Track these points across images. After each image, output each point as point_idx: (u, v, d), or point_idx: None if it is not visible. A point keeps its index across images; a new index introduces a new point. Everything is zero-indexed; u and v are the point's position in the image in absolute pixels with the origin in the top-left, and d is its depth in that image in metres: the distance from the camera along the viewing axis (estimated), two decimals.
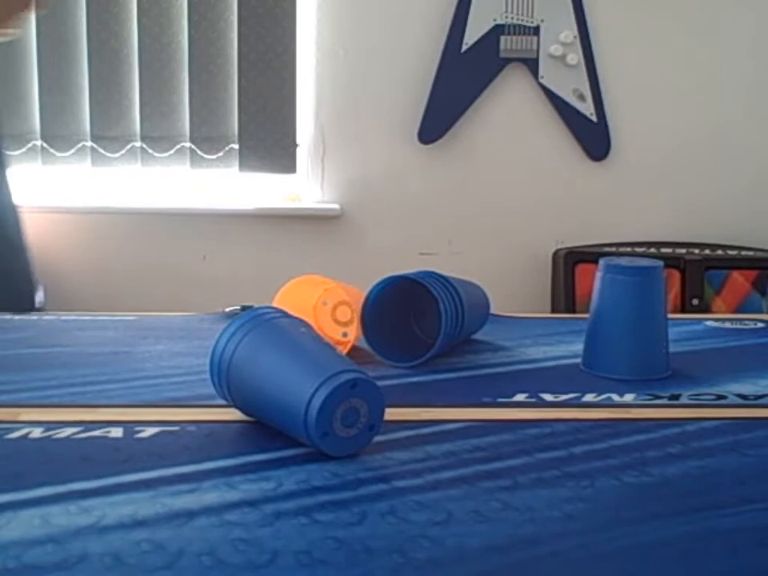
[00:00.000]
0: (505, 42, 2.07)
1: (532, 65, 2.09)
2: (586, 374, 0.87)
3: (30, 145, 2.12)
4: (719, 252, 2.08)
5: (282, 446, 0.66)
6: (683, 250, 2.07)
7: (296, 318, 0.74)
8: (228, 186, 2.23)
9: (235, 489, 0.59)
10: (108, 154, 2.13)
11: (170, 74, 2.14)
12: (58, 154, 2.12)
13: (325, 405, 0.63)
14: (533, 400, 0.79)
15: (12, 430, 0.69)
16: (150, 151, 2.15)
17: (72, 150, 2.13)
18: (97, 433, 0.69)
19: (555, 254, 2.12)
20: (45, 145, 2.12)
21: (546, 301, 2.15)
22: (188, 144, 2.16)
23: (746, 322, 1.11)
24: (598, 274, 0.88)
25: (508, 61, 2.09)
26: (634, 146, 2.16)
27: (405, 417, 0.74)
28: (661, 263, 0.87)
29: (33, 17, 2.03)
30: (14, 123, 2.10)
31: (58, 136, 2.12)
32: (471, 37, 2.07)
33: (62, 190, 2.18)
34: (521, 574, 0.50)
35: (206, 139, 2.16)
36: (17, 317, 1.06)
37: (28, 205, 2.13)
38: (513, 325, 1.09)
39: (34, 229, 2.14)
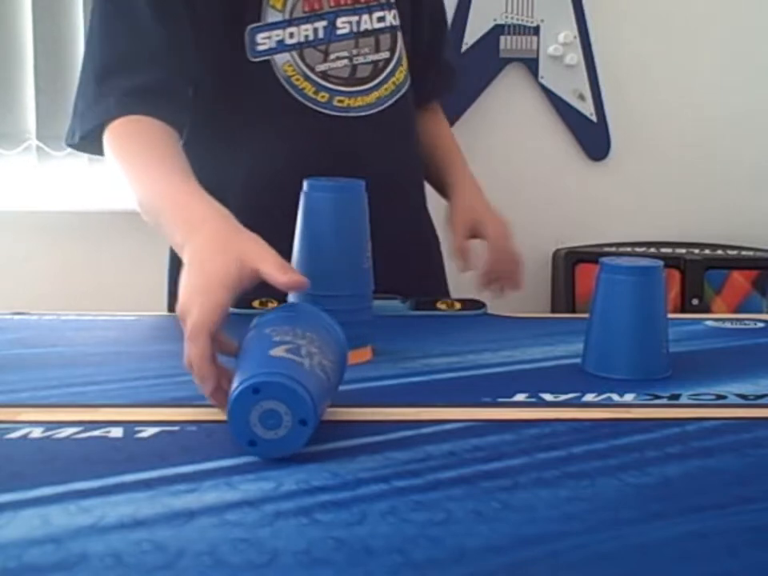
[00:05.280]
0: (504, 42, 2.07)
1: (532, 65, 2.09)
2: (586, 374, 0.87)
3: (25, 144, 2.12)
4: (719, 252, 2.08)
5: None
6: (683, 250, 2.07)
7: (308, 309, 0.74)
8: None
9: (235, 489, 0.59)
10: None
11: None
12: (54, 154, 2.12)
13: (233, 416, 0.63)
14: (533, 400, 0.79)
15: (12, 430, 0.69)
16: None
17: (67, 150, 2.13)
18: (97, 433, 0.69)
19: (555, 253, 2.12)
20: (40, 144, 2.11)
21: (546, 301, 2.14)
22: None
23: (746, 322, 1.11)
24: (598, 274, 0.88)
25: (508, 61, 2.09)
26: (634, 145, 2.16)
27: (405, 417, 0.74)
28: (661, 263, 0.87)
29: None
30: (8, 122, 2.10)
31: (52, 136, 2.11)
32: (471, 37, 2.07)
33: (58, 191, 2.18)
34: (521, 573, 0.50)
35: None
36: (17, 317, 1.06)
37: (23, 206, 2.13)
38: (513, 325, 1.09)
39: (34, 230, 2.14)
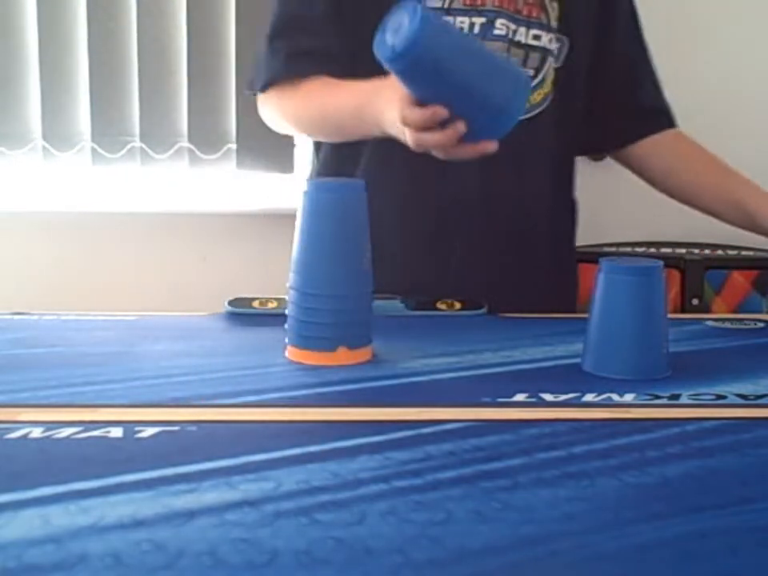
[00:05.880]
0: None
1: None
2: (586, 374, 0.87)
3: (30, 145, 2.12)
4: (719, 252, 2.08)
5: (282, 446, 0.66)
6: (683, 250, 2.07)
7: None
8: (228, 186, 2.23)
9: (235, 489, 0.59)
10: (107, 154, 2.13)
11: (168, 73, 2.14)
12: (59, 154, 2.12)
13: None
14: (533, 400, 0.79)
15: (12, 430, 0.69)
16: (149, 151, 2.16)
17: (72, 150, 2.13)
18: (97, 433, 0.69)
19: None
20: (46, 145, 2.12)
21: None
22: (186, 144, 2.16)
23: (746, 322, 1.11)
24: (598, 274, 0.88)
25: None
26: None
27: (405, 417, 0.74)
28: (661, 263, 0.87)
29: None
30: (13, 123, 2.11)
31: (57, 136, 2.12)
32: None
33: (61, 192, 2.18)
34: (521, 573, 0.50)
35: (205, 139, 2.16)
36: (17, 317, 1.06)
37: (28, 207, 2.14)
38: (513, 325, 1.09)
39: (34, 231, 2.14)
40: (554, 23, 1.20)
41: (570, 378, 0.86)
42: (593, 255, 1.97)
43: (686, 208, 2.25)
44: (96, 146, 2.13)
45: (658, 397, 0.80)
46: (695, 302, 1.98)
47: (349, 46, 1.16)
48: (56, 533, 0.52)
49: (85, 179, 2.17)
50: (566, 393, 0.81)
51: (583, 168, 2.18)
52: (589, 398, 0.80)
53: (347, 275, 0.89)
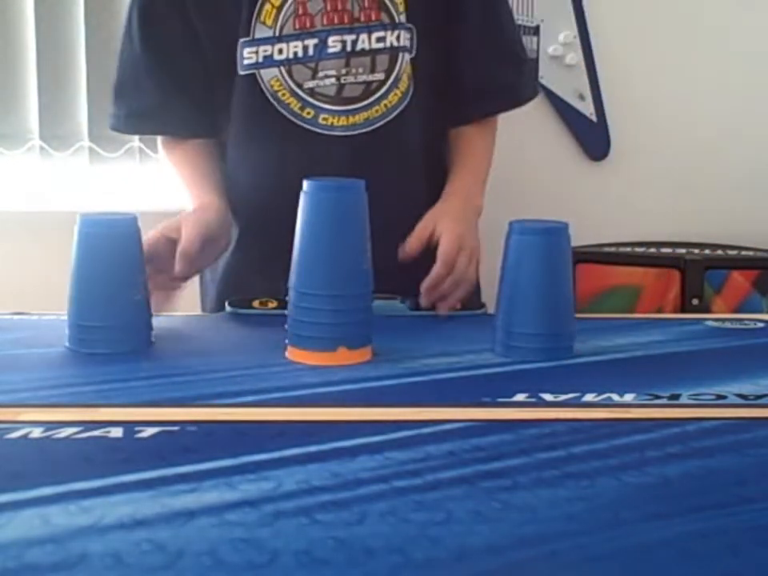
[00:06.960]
0: None
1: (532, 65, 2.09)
2: (586, 373, 0.87)
3: (28, 145, 2.12)
4: (719, 252, 2.08)
5: (282, 446, 0.66)
6: (683, 250, 2.07)
7: None
8: None
9: (235, 489, 0.59)
10: (105, 154, 2.13)
11: None
12: (57, 154, 2.12)
13: None
14: (533, 400, 0.79)
15: (12, 430, 0.69)
16: (148, 151, 2.15)
17: (70, 150, 2.13)
18: (97, 433, 0.69)
19: None
20: (43, 145, 2.11)
21: None
22: None
23: (746, 322, 1.11)
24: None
25: None
26: (634, 145, 2.17)
27: (405, 417, 0.74)
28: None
29: None
30: (11, 123, 2.10)
31: (55, 136, 2.11)
32: None
33: (60, 191, 2.17)
34: (521, 573, 0.50)
35: None
36: (17, 317, 1.06)
37: (25, 207, 2.13)
38: None
39: (33, 231, 2.14)
40: (400, 18, 1.19)
41: (570, 378, 0.86)
42: (593, 255, 1.98)
43: (686, 208, 2.25)
44: (94, 146, 2.13)
45: (657, 397, 0.80)
46: (695, 302, 1.98)
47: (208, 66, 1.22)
48: (56, 533, 0.52)
49: (83, 179, 2.17)
50: (566, 393, 0.81)
51: (583, 168, 2.19)
52: (589, 398, 0.80)
53: (347, 275, 0.89)
